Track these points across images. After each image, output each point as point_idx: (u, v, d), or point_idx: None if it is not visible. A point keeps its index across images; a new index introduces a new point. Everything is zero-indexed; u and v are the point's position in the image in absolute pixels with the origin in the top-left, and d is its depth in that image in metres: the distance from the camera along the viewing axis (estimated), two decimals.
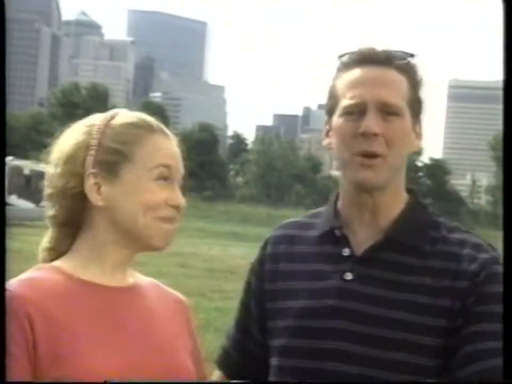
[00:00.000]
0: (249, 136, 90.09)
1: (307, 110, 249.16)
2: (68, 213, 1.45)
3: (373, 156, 1.53)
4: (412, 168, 66.17)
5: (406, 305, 1.51)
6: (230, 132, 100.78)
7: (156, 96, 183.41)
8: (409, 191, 1.64)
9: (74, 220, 1.46)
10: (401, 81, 1.57)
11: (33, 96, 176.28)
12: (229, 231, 32.58)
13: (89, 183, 1.43)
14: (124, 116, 1.48)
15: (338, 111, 1.57)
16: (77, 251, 1.46)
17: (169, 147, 1.47)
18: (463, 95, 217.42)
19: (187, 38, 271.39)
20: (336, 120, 1.57)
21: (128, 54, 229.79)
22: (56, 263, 1.46)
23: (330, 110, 1.60)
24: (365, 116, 1.53)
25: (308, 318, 1.55)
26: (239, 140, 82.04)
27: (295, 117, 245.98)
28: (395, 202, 1.60)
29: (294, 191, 66.96)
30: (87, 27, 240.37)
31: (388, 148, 1.53)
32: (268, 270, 1.65)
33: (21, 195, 29.62)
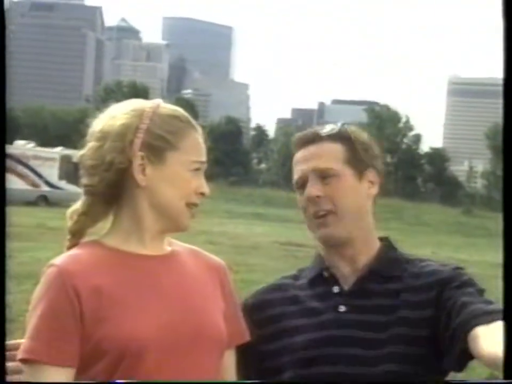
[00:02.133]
0: (270, 128, 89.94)
1: (322, 104, 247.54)
2: (107, 185, 1.43)
3: (323, 214, 1.60)
4: (415, 156, 65.73)
5: (391, 324, 1.55)
6: (253, 124, 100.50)
7: (188, 93, 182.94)
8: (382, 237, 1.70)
9: (111, 192, 1.44)
10: (333, 148, 1.63)
11: (80, 93, 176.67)
12: (252, 212, 32.60)
13: (137, 163, 1.41)
14: (167, 107, 1.47)
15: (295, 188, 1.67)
16: (118, 226, 1.45)
17: (202, 142, 1.48)
18: (461, 91, 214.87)
19: (215, 41, 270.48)
20: (297, 194, 1.67)
21: (163, 56, 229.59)
22: (97, 238, 1.45)
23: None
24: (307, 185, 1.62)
25: (313, 349, 1.57)
26: (260, 132, 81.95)
27: (311, 111, 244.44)
28: (369, 243, 1.65)
29: None
30: (127, 32, 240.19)
31: (333, 204, 1.60)
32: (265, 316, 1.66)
33: (70, 180, 29.70)
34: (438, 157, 67.39)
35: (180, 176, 1.42)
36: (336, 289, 1.61)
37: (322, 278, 1.64)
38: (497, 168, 67.61)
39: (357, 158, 1.63)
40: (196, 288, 1.46)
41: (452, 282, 1.54)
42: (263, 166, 76.95)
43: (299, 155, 1.65)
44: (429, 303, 1.55)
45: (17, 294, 8.61)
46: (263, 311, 1.64)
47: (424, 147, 68.16)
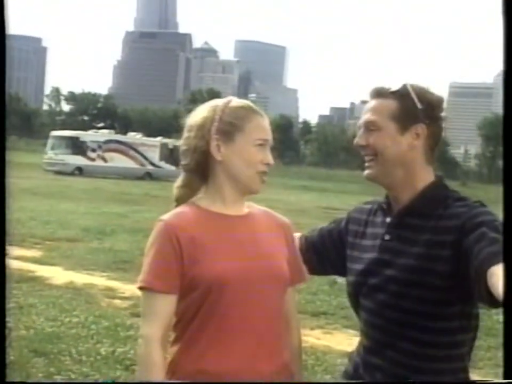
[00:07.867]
0: (313, 122, 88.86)
1: (352, 104, 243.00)
2: (196, 164, 1.44)
3: (369, 160, 1.47)
4: None
5: (418, 256, 1.40)
6: (300, 119, 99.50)
7: (251, 96, 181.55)
8: (437, 176, 1.50)
9: (199, 168, 1.45)
10: (385, 104, 1.44)
11: (174, 97, 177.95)
12: (300, 185, 32.44)
13: (213, 144, 1.41)
14: (236, 101, 1.47)
15: None
16: (206, 193, 1.45)
17: (265, 124, 1.45)
18: (460, 92, 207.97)
19: (272, 57, 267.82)
20: None
21: (234, 69, 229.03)
22: (194, 201, 1.45)
23: None
24: None
25: (362, 263, 1.49)
26: (306, 125, 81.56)
27: (344, 109, 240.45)
28: (412, 184, 1.45)
29: (343, 159, 66.21)
30: (208, 52, 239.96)
31: (375, 152, 1.44)
32: (350, 229, 1.57)
33: (167, 161, 30.07)
34: (440, 143, 65.84)
35: (247, 150, 1.41)
36: (388, 219, 1.48)
37: (382, 208, 1.51)
38: (486, 151, 66.50)
39: (405, 114, 1.43)
40: (266, 240, 1.44)
41: (467, 228, 1.32)
42: (308, 150, 76.61)
43: (365, 106, 1.49)
44: (446, 244, 1.35)
45: (132, 243, 8.85)
46: (349, 224, 1.57)
47: None
